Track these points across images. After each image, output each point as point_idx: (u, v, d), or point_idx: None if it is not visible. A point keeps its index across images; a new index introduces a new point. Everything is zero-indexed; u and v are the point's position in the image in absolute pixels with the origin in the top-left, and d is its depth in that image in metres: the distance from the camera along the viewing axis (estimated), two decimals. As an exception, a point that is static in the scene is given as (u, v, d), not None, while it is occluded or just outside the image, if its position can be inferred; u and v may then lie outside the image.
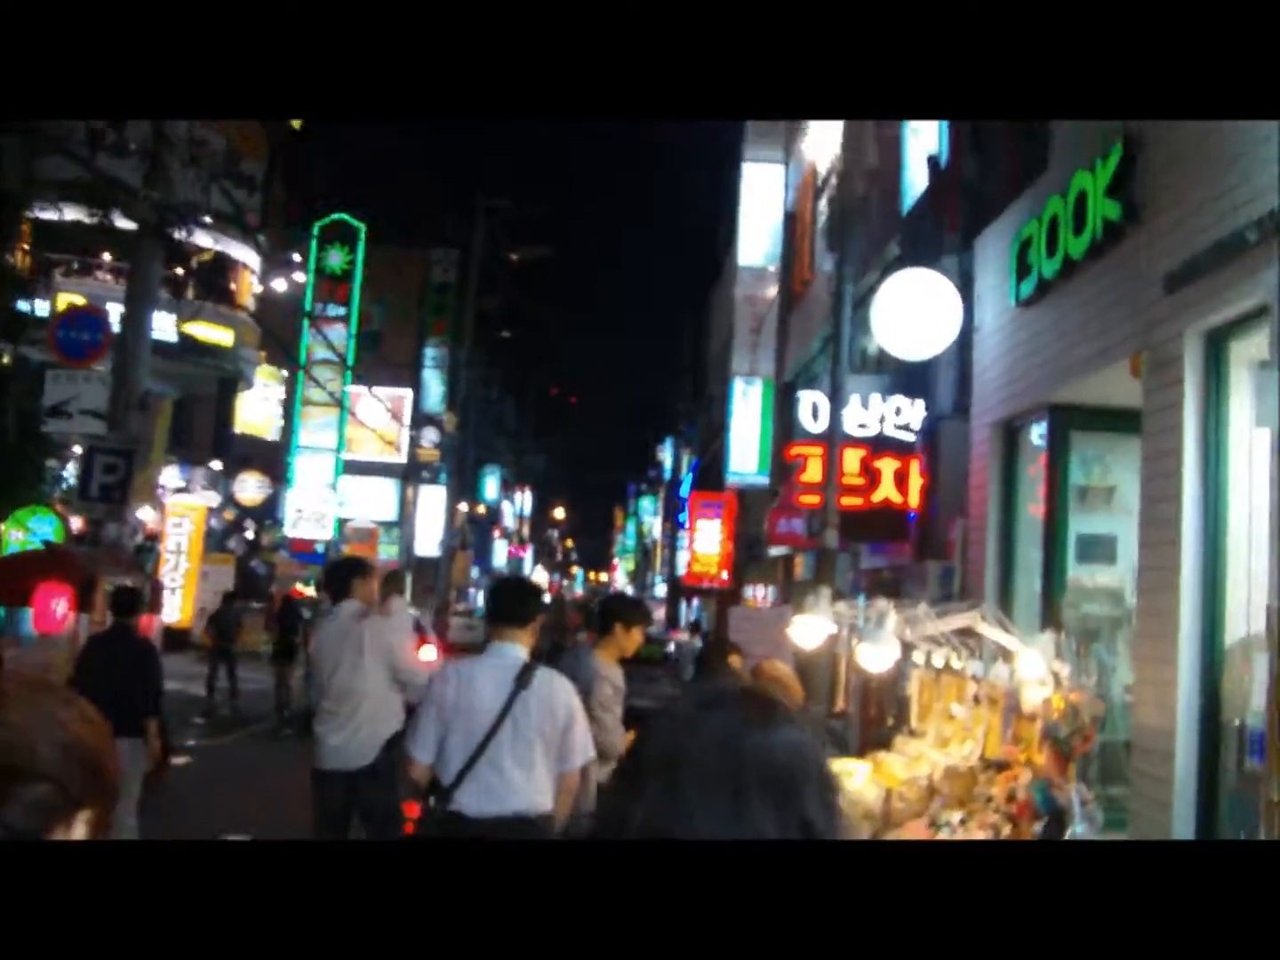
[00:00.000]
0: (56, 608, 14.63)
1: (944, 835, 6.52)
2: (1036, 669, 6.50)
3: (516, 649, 7.01)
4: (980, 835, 6.45)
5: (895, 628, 6.93)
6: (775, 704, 1.99)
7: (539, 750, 6.79)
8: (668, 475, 79.84)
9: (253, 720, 22.88)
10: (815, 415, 16.02)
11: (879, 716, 11.90)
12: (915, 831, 6.64)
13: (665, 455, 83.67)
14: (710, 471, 43.04)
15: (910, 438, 15.62)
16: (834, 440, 14.26)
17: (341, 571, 10.43)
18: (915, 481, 15.41)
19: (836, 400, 14.31)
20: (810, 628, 8.08)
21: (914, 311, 13.66)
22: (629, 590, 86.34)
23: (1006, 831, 6.45)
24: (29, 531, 18.43)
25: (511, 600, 7.32)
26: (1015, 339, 12.16)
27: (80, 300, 26.78)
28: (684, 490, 57.90)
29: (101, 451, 17.13)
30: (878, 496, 15.44)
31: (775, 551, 28.50)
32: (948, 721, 8.03)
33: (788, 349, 31.07)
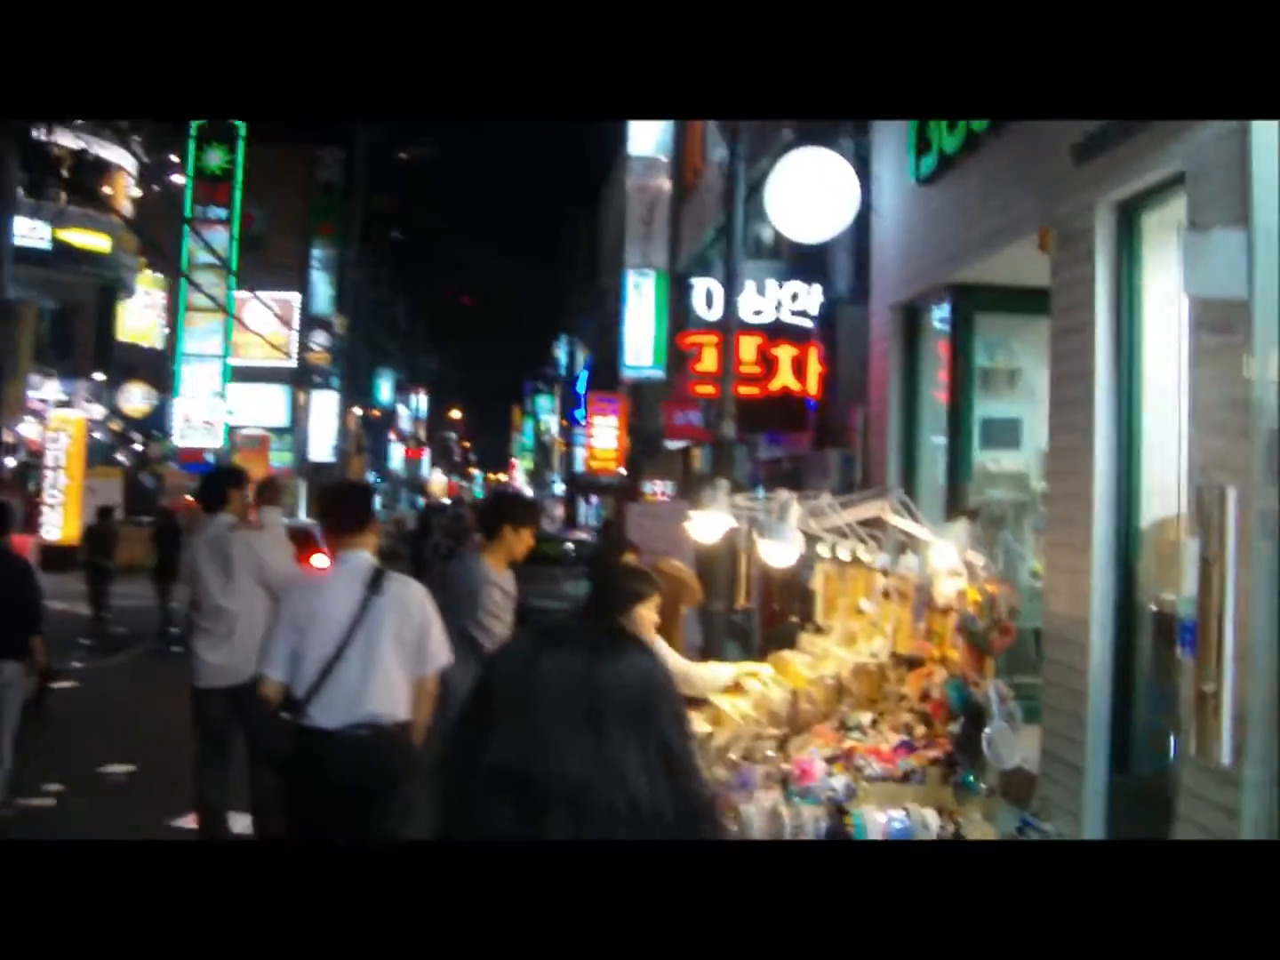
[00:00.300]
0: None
1: (854, 738, 6.15)
2: (950, 559, 6.11)
3: (363, 555, 6.81)
4: (893, 736, 6.09)
5: (799, 520, 6.50)
6: (619, 630, 1.94)
7: (393, 656, 6.62)
8: (564, 373, 79.18)
9: (135, 640, 22.16)
10: (710, 303, 15.56)
11: (782, 613, 11.56)
12: (823, 735, 6.26)
13: (561, 353, 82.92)
14: (606, 367, 42.50)
15: (808, 324, 15.22)
16: (729, 328, 13.80)
17: (214, 482, 9.89)
18: (814, 369, 15.02)
19: (731, 287, 13.82)
20: (709, 523, 7.62)
21: (809, 193, 13.17)
22: (528, 490, 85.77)
23: (920, 732, 6.09)
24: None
25: (344, 507, 7.10)
26: (915, 218, 11.74)
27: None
28: (580, 387, 57.44)
29: (-37, 363, 16.40)
30: (775, 385, 15.03)
31: (672, 445, 28.14)
32: (855, 617, 7.64)
33: (681, 240, 30.63)
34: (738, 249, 14.19)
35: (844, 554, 7.13)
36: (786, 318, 15.16)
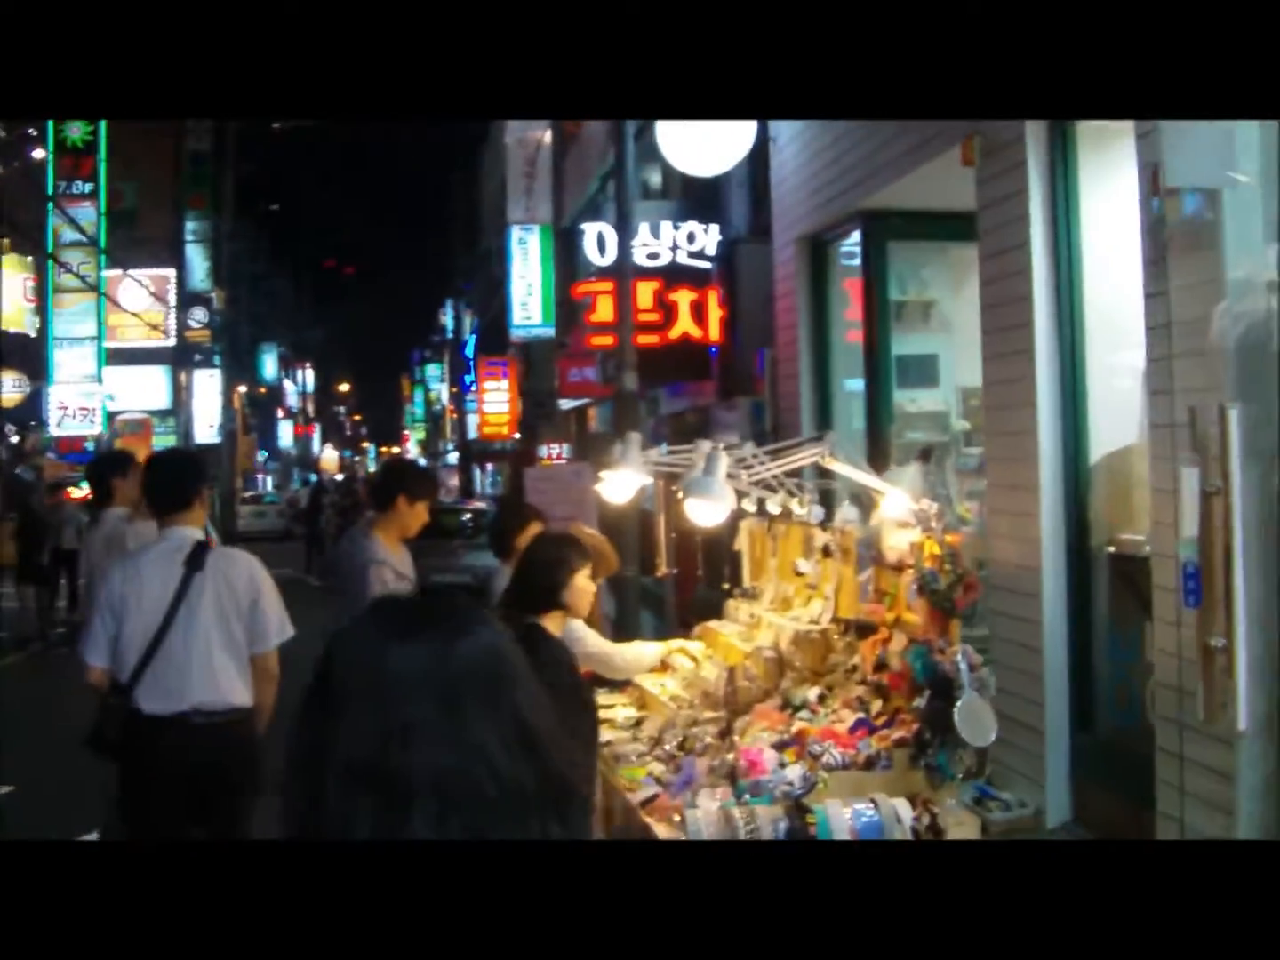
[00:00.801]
0: None
1: (802, 719, 5.39)
2: (901, 508, 5.34)
3: (187, 531, 6.39)
4: (846, 713, 5.34)
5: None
6: (459, 607, 1.87)
7: (220, 635, 6.25)
8: (451, 338, 78.04)
9: (17, 644, 20.89)
10: (602, 249, 14.72)
11: (707, 578, 10.75)
12: (767, 717, 5.50)
13: (448, 319, 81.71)
14: (495, 329, 41.84)
15: (706, 266, 14.45)
16: (624, 273, 12.90)
17: (95, 473, 9.16)
18: (715, 313, 14.27)
19: (625, 229, 12.91)
20: (620, 482, 6.77)
21: (703, 123, 12.35)
22: (422, 461, 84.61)
23: (877, 707, 5.34)
24: None
25: (166, 481, 6.63)
26: (820, 143, 10.95)
27: None
28: (469, 352, 56.59)
29: None
30: (675, 332, 14.26)
31: (567, 405, 27.46)
32: (789, 579, 6.84)
33: (565, 192, 29.93)
34: (629, 187, 13.29)
35: (774, 508, 6.30)
36: (683, 260, 14.37)
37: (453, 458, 73.36)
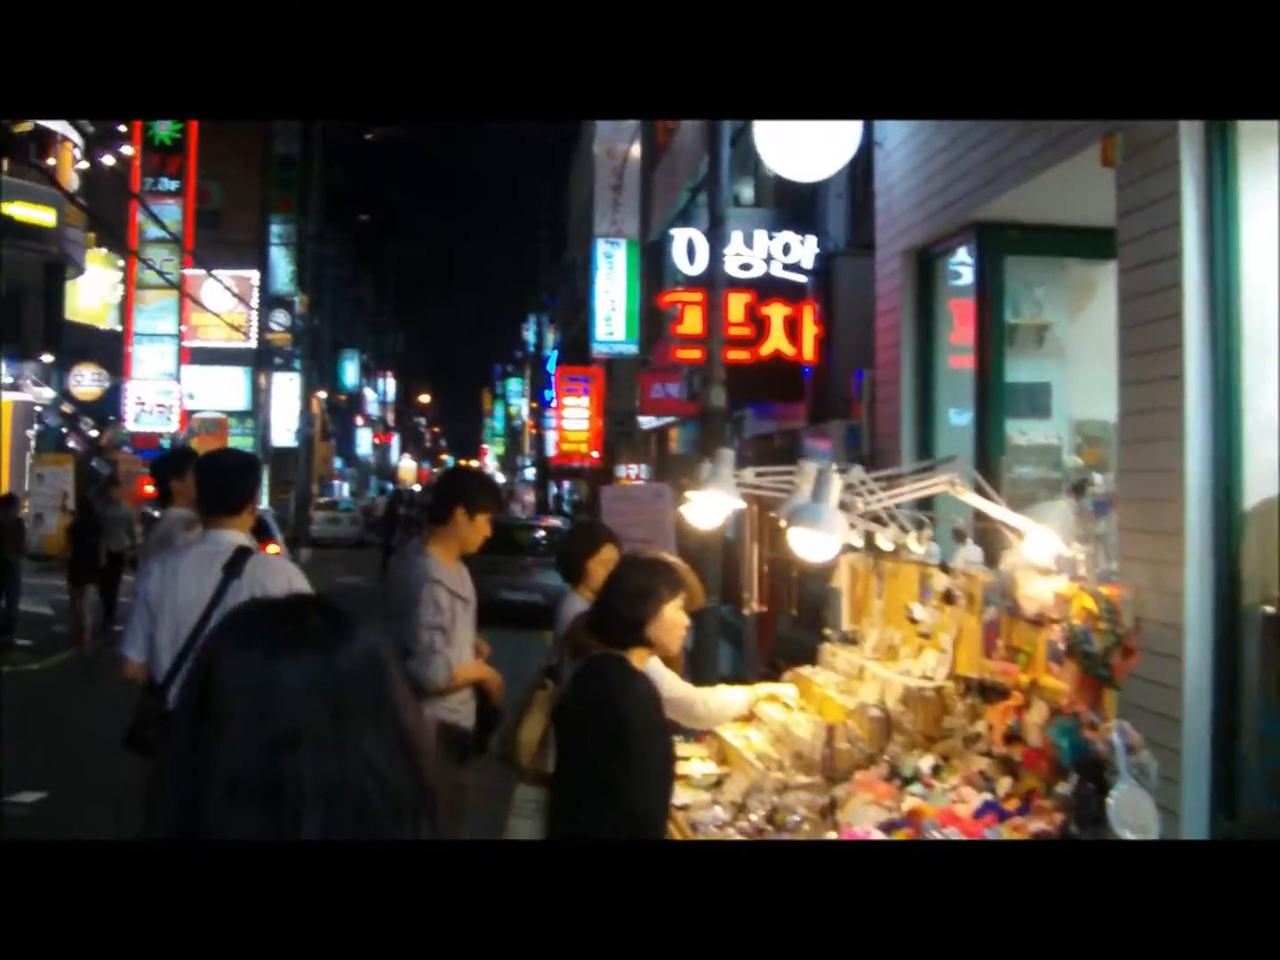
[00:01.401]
0: None
1: (914, 792, 4.53)
2: (1047, 551, 4.47)
3: (230, 535, 6.09)
4: (968, 791, 4.47)
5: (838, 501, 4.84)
6: (335, 613, 1.82)
7: None
8: (533, 353, 77.73)
9: (58, 645, 20.30)
10: (691, 257, 13.89)
11: (798, 616, 9.84)
12: (872, 787, 4.65)
13: (530, 333, 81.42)
14: (577, 344, 41.35)
15: (802, 279, 13.57)
16: (715, 282, 12.06)
17: (157, 472, 8.62)
18: (809, 330, 13.42)
19: (717, 236, 12.07)
20: (707, 504, 5.91)
21: (805, 124, 11.52)
22: (500, 476, 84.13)
23: (1005, 786, 4.47)
24: None
25: (215, 483, 6.28)
26: (933, 145, 10.09)
27: None
28: (550, 366, 56.08)
29: None
30: (766, 349, 13.41)
31: (648, 424, 26.71)
32: (895, 624, 5.95)
33: (653, 207, 29.31)
34: (723, 190, 12.44)
35: (885, 543, 5.42)
36: (778, 273, 13.53)
37: (530, 474, 72.85)
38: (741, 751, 5.63)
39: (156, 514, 8.31)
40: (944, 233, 10.10)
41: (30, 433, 37.58)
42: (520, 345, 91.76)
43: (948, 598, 5.15)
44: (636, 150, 31.42)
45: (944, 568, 5.29)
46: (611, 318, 31.41)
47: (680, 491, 7.36)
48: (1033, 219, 9.26)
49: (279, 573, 6.09)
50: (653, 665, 4.76)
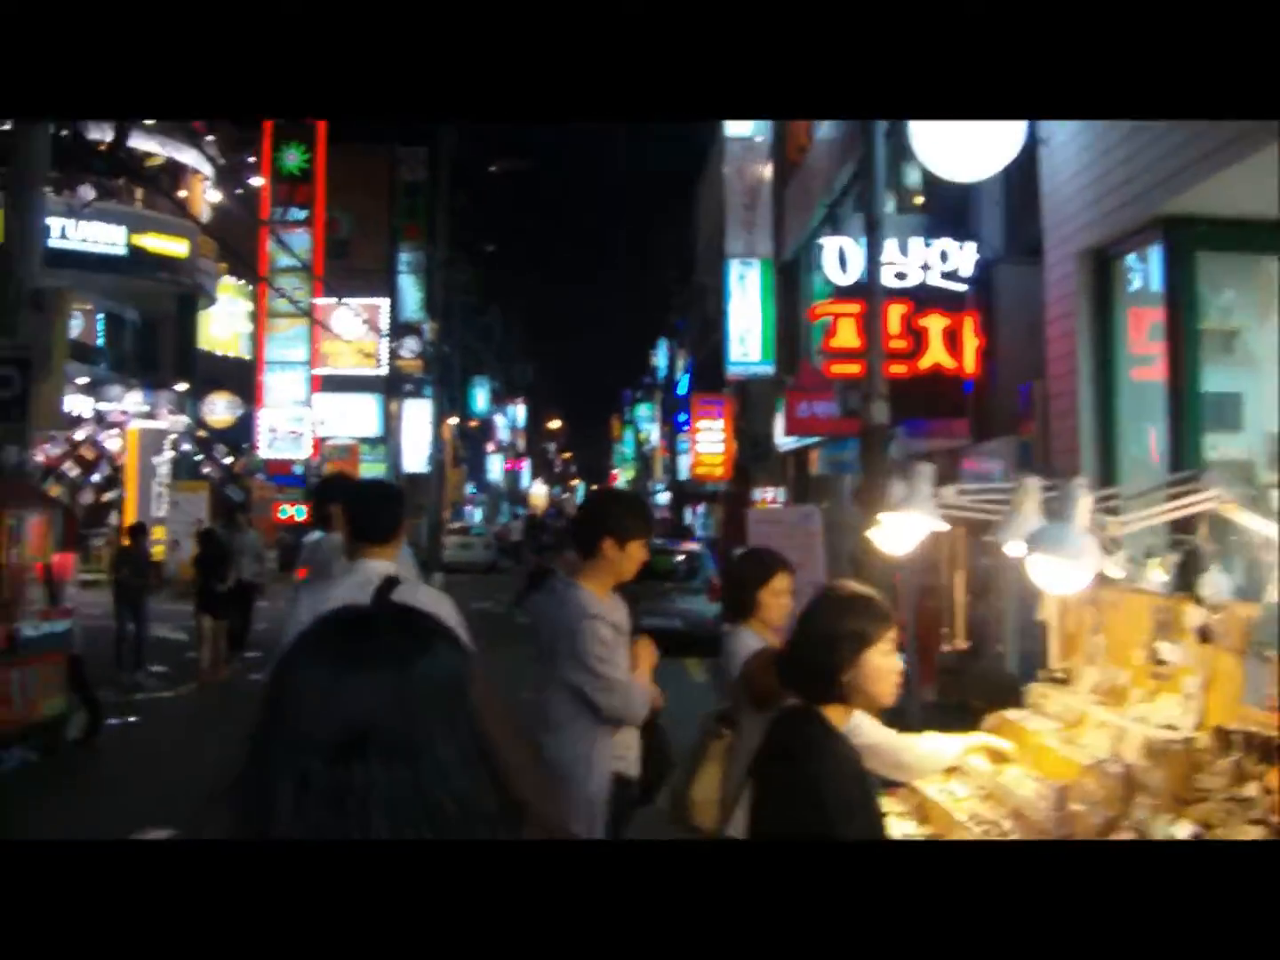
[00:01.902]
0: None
1: (1168, 866, 3.78)
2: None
3: (378, 565, 5.62)
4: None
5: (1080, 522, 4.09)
6: (412, 623, 1.83)
7: None
8: (663, 377, 77.42)
9: (184, 676, 19.99)
10: (844, 266, 13.18)
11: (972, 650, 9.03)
12: (1114, 858, 3.90)
13: (659, 357, 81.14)
14: (709, 367, 40.85)
15: (961, 288, 12.81)
16: (874, 291, 11.33)
17: (320, 496, 8.38)
18: (970, 342, 12.66)
19: (875, 239, 11.33)
20: (903, 527, 5.18)
21: (964, 122, 10.81)
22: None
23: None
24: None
25: (365, 512, 5.98)
26: (1108, 139, 9.35)
27: None
28: (682, 389, 55.67)
29: (-11, 359, 14.31)
30: (925, 363, 12.70)
31: (785, 446, 25.96)
32: (1118, 663, 5.19)
33: (786, 226, 28.70)
34: (879, 188, 11.69)
35: (1115, 571, 4.65)
36: (935, 282, 12.79)
37: (663, 497, 72.38)
38: (948, 810, 4.92)
39: (314, 536, 7.96)
40: (1124, 231, 9.36)
41: (158, 459, 37.73)
42: (649, 370, 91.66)
43: (1203, 635, 4.38)
44: (768, 170, 30.85)
45: (1195, 599, 4.53)
46: (746, 339, 30.84)
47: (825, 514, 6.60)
48: (1227, 213, 8.50)
49: (425, 601, 5.33)
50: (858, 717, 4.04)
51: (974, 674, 8.17)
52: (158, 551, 32.96)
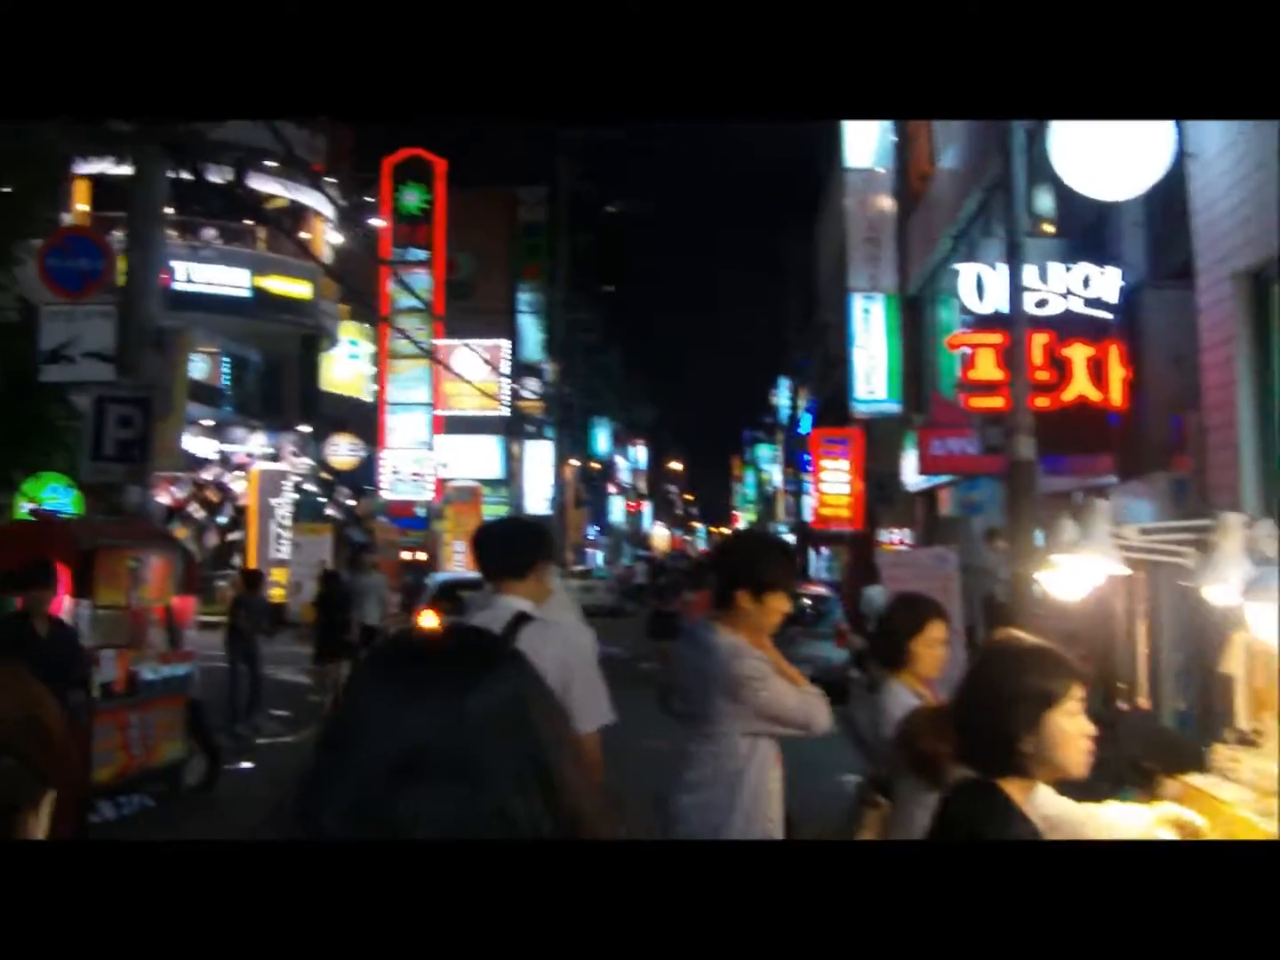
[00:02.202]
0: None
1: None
2: None
3: (510, 601, 5.63)
4: None
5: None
6: (475, 648, 1.80)
7: None
8: (785, 418, 76.95)
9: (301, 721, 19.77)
10: (980, 293, 12.65)
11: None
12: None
13: (780, 398, 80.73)
14: (832, 406, 40.34)
15: (1106, 316, 12.22)
16: (1016, 319, 10.76)
17: (512, 543, 6.22)
18: (1116, 372, 12.04)
19: (1016, 264, 10.77)
20: (1077, 571, 4.66)
21: (1108, 134, 10.27)
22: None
23: None
24: (43, 505, 15.55)
25: (498, 547, 5.96)
26: (1264, 150, 8.77)
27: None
28: (804, 429, 55.09)
29: (113, 401, 14.15)
30: (1069, 394, 12.08)
31: (914, 486, 25.36)
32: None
33: (910, 258, 28.25)
34: (1019, 208, 11.13)
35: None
36: (1078, 309, 12.21)
37: (787, 539, 71.82)
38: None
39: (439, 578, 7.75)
40: (1289, 251, 8.77)
41: (278, 501, 37.89)
42: (770, 411, 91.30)
43: None
44: (889, 202, 30.36)
45: None
46: (871, 375, 30.28)
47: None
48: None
49: (553, 643, 5.33)
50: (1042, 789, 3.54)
51: (1126, 729, 7.59)
52: (277, 594, 33.02)
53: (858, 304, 30.79)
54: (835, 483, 37.27)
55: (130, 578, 13.19)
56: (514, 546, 5.94)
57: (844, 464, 37.12)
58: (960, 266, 13.51)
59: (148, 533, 14.42)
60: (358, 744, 1.66)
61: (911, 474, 23.69)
